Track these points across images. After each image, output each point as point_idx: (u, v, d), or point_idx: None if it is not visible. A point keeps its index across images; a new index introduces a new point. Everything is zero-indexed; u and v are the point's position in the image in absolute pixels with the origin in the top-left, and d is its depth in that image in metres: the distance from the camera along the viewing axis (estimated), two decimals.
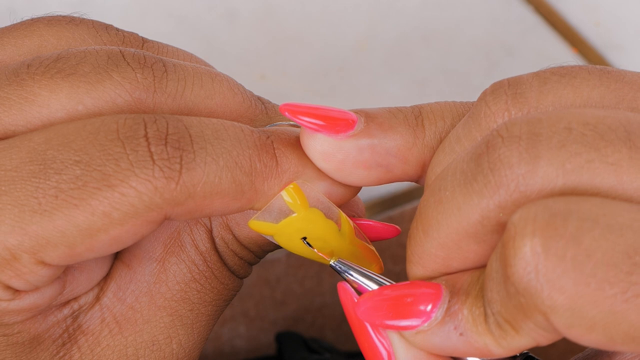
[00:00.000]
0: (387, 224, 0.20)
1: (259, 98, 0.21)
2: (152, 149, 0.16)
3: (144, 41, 0.21)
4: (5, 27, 0.20)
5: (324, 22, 0.46)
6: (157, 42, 0.21)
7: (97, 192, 0.16)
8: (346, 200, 0.19)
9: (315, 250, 0.18)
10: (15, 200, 0.16)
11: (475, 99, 0.46)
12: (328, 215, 0.18)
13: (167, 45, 0.21)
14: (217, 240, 0.19)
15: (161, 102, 0.18)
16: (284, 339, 0.37)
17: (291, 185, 0.18)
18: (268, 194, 0.17)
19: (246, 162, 0.17)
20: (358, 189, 0.19)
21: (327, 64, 0.45)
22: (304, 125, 0.18)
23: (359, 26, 0.46)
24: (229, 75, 0.21)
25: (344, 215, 0.19)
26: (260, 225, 0.18)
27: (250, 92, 0.21)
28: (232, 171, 0.17)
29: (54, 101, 0.17)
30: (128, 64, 0.18)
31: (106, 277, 0.19)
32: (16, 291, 0.17)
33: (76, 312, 0.18)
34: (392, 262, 0.42)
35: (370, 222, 0.20)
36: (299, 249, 0.18)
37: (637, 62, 0.46)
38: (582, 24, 0.47)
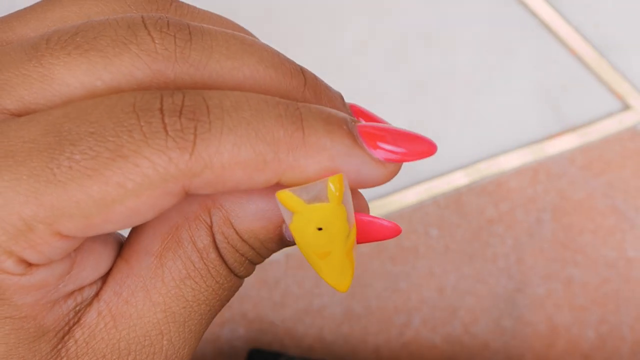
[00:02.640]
0: (390, 223, 0.19)
1: (302, 72, 0.20)
2: (166, 121, 0.16)
3: (172, 1, 0.20)
4: (31, 5, 0.19)
5: (324, 23, 0.46)
6: (188, 4, 0.20)
7: (111, 162, 0.16)
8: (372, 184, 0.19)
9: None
10: (30, 171, 0.16)
11: (475, 99, 0.46)
12: (348, 218, 0.18)
13: (199, 9, 0.21)
14: (217, 236, 0.19)
15: (183, 73, 0.18)
16: (254, 358, 0.37)
17: (338, 175, 0.17)
18: (294, 165, 0.17)
19: (267, 132, 0.16)
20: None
21: (327, 65, 0.45)
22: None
23: (359, 27, 0.46)
24: None
25: (354, 226, 0.19)
26: (291, 198, 0.17)
27: (291, 64, 0.19)
28: (252, 141, 0.16)
29: (73, 79, 0.17)
30: (148, 33, 0.17)
31: (107, 274, 0.19)
32: (28, 265, 0.16)
33: (79, 306, 0.18)
34: (391, 263, 0.42)
35: (375, 220, 0.19)
36: (308, 237, 0.18)
37: (637, 63, 0.46)
38: (581, 25, 0.47)
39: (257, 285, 0.41)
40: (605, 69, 0.46)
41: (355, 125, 0.18)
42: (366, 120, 0.21)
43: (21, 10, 0.19)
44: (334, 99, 0.20)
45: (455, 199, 0.43)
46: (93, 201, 0.16)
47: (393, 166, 0.18)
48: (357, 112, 0.21)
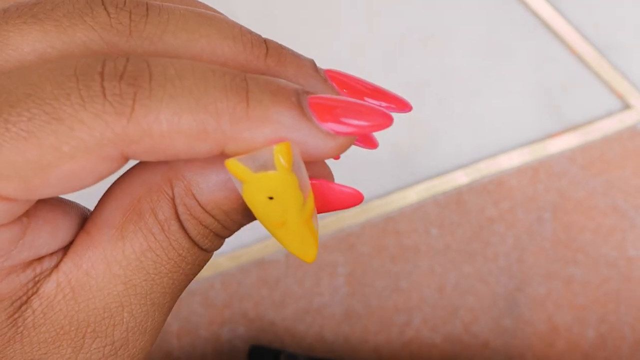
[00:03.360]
0: (351, 189, 0.19)
1: (265, 42, 0.20)
2: (105, 85, 0.16)
3: None
4: None
5: (322, 24, 0.46)
6: None
7: (46, 125, 0.16)
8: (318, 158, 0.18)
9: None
10: None
11: (475, 99, 0.46)
12: (300, 187, 0.18)
13: None
14: (179, 207, 0.18)
15: (136, 46, 0.17)
16: (254, 354, 0.37)
17: (284, 144, 0.17)
18: (237, 136, 0.17)
19: (210, 101, 0.16)
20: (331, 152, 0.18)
21: (325, 65, 0.45)
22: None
23: (357, 28, 0.46)
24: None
25: (312, 194, 0.18)
26: (237, 167, 0.17)
27: (252, 35, 0.19)
28: (193, 110, 0.16)
29: (25, 44, 0.17)
30: (105, 8, 0.17)
31: (68, 246, 0.19)
32: None
33: (38, 277, 0.18)
34: (392, 262, 0.42)
35: (334, 186, 0.19)
36: (260, 207, 0.18)
37: (637, 62, 0.46)
38: (581, 24, 0.47)
39: (258, 284, 0.41)
40: (605, 69, 0.46)
41: (306, 97, 0.17)
42: (342, 84, 0.21)
43: None
44: (303, 65, 0.20)
45: (455, 198, 0.43)
46: (29, 164, 0.16)
47: (343, 139, 0.18)
48: (333, 77, 0.21)
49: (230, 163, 0.17)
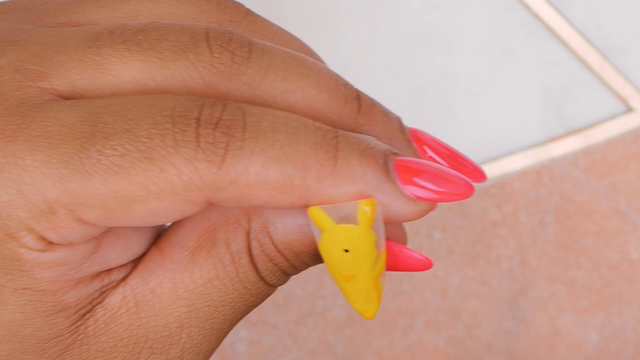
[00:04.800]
0: (422, 256, 0.20)
1: (358, 98, 0.20)
2: (200, 132, 0.16)
3: (247, 14, 0.20)
4: None
5: (326, 26, 0.47)
6: (262, 18, 0.21)
7: (138, 162, 0.16)
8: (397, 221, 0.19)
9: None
10: (61, 156, 0.16)
11: (478, 102, 0.46)
12: (376, 244, 0.18)
13: (272, 25, 0.21)
14: (252, 242, 0.19)
15: (234, 89, 0.18)
16: None
17: (370, 200, 0.17)
18: (322, 193, 0.17)
19: (299, 157, 0.17)
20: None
21: (329, 66, 0.45)
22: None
23: (361, 30, 0.46)
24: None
25: (384, 254, 0.19)
26: (320, 216, 0.17)
27: (347, 89, 0.20)
28: (282, 164, 0.16)
29: (125, 72, 0.18)
30: (209, 45, 0.18)
31: (138, 259, 0.19)
32: (48, 243, 0.17)
33: (105, 287, 0.19)
34: None
35: (406, 251, 0.20)
36: (334, 258, 0.18)
37: (639, 64, 0.46)
38: (583, 27, 0.47)
39: None
40: (608, 72, 0.46)
41: (393, 158, 0.18)
42: (424, 145, 0.21)
43: None
44: (390, 124, 0.20)
45: (457, 202, 0.43)
46: (115, 197, 0.16)
47: (424, 204, 0.18)
48: (417, 139, 0.21)
49: (314, 211, 0.17)
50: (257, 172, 0.16)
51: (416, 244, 0.42)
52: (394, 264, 0.19)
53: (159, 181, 0.16)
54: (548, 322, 0.41)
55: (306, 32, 0.46)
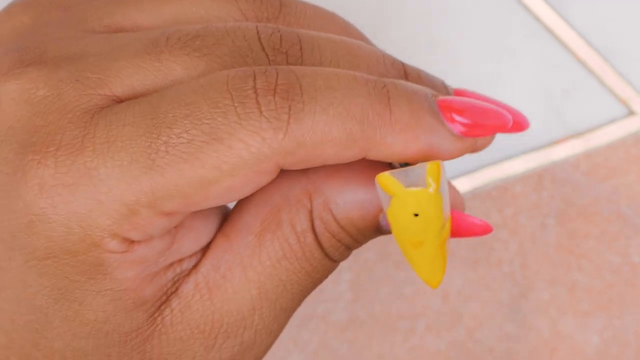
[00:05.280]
0: (481, 221, 0.20)
1: (405, 73, 0.21)
2: (260, 100, 0.17)
3: (281, 4, 0.21)
4: None
5: None
6: (295, 2, 0.21)
7: (205, 145, 0.16)
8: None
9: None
10: (130, 156, 0.16)
11: None
12: (443, 209, 0.19)
13: (307, 7, 0.21)
14: (315, 221, 0.19)
15: None
16: None
17: (436, 163, 0.18)
18: (380, 142, 0.17)
19: (357, 110, 0.17)
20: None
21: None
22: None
23: (363, 31, 0.47)
24: None
25: (449, 219, 0.19)
26: (390, 181, 0.18)
27: (395, 67, 0.20)
28: (343, 120, 0.17)
29: (187, 78, 0.18)
30: (262, 48, 0.18)
31: (206, 247, 0.20)
32: (130, 243, 0.17)
33: (177, 276, 0.19)
34: (396, 269, 0.42)
35: (468, 217, 0.20)
36: (403, 222, 0.18)
37: None
38: (585, 31, 0.47)
39: None
40: (609, 74, 0.46)
41: (435, 100, 0.18)
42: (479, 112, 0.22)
43: None
44: (438, 90, 0.21)
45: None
46: (190, 183, 0.16)
47: (470, 141, 0.19)
48: (462, 95, 0.22)
49: (383, 177, 0.17)
50: (322, 131, 0.17)
51: None
52: (456, 230, 0.20)
53: (229, 159, 0.16)
54: (549, 324, 0.41)
55: None
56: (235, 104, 0.16)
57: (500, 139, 0.45)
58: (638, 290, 0.42)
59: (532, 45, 0.47)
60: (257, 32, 0.18)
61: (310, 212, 0.19)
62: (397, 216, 0.18)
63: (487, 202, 0.43)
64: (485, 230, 0.19)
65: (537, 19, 0.47)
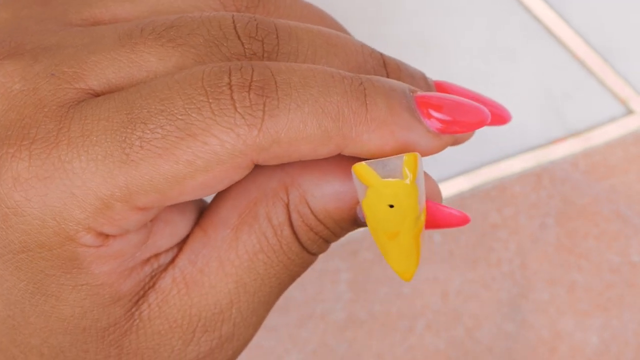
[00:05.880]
0: (459, 212, 0.20)
1: (384, 63, 0.21)
2: (235, 97, 0.17)
3: None
4: None
5: None
6: None
7: (180, 141, 0.16)
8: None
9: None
10: (105, 151, 0.16)
11: None
12: (419, 199, 0.18)
13: None
14: (293, 214, 0.19)
15: None
16: None
17: (413, 154, 0.18)
18: (356, 139, 0.17)
19: (333, 108, 0.17)
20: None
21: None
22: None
23: (360, 32, 0.47)
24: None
25: (425, 211, 0.19)
26: (367, 171, 0.18)
27: (374, 58, 0.21)
28: (318, 117, 0.17)
29: (163, 68, 0.18)
30: (238, 37, 0.18)
31: (183, 241, 0.20)
32: (105, 237, 0.17)
33: (155, 271, 0.19)
34: None
35: (444, 207, 0.20)
36: (379, 214, 0.18)
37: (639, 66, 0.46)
38: (584, 30, 0.47)
39: None
40: (608, 74, 0.46)
41: (413, 96, 0.18)
42: (453, 94, 0.22)
43: None
44: (417, 82, 0.21)
45: (458, 204, 0.43)
46: (165, 178, 0.16)
47: (447, 137, 0.19)
48: (442, 89, 0.22)
49: (359, 167, 0.17)
50: (297, 128, 0.17)
51: None
52: (432, 221, 0.20)
53: (204, 155, 0.16)
54: (548, 324, 0.41)
55: None
56: (210, 100, 0.16)
57: (500, 138, 0.45)
58: (637, 290, 0.42)
59: (531, 44, 0.47)
60: (233, 21, 0.18)
61: (287, 205, 0.19)
62: (372, 207, 0.18)
63: (486, 201, 0.43)
64: (463, 221, 0.20)
65: (536, 18, 0.47)
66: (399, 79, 0.20)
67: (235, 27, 0.18)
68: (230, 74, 0.17)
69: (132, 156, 0.16)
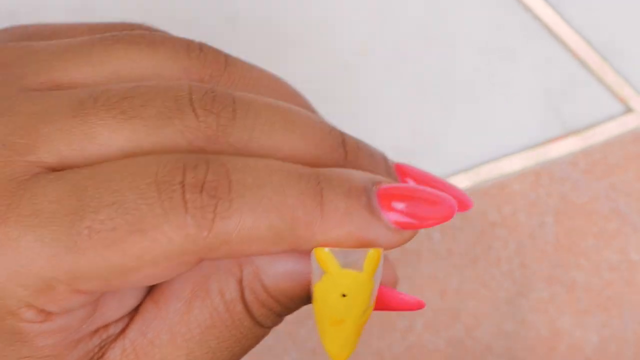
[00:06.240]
0: (413, 298, 0.20)
1: (343, 142, 0.20)
2: (187, 197, 0.17)
3: (227, 63, 0.20)
4: (84, 42, 0.19)
5: (326, 27, 0.47)
6: (242, 63, 0.21)
7: (129, 235, 0.16)
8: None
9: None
10: (52, 234, 0.16)
11: (476, 103, 0.46)
12: (372, 293, 0.19)
13: (253, 70, 0.21)
14: (245, 290, 0.19)
15: (221, 151, 0.18)
16: None
17: (377, 250, 0.18)
18: (312, 239, 0.17)
19: (287, 209, 0.17)
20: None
21: (329, 68, 0.45)
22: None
23: (361, 31, 0.47)
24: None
25: (374, 303, 0.19)
26: (327, 258, 0.18)
27: (333, 137, 0.20)
28: (270, 219, 0.17)
29: (113, 142, 0.18)
30: (193, 109, 0.18)
31: (135, 310, 0.19)
32: (48, 314, 0.17)
33: (104, 342, 0.19)
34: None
35: (398, 295, 0.20)
36: (329, 301, 0.18)
37: (639, 66, 0.46)
38: (583, 29, 0.47)
39: None
40: (607, 72, 0.46)
41: (374, 190, 0.18)
42: (407, 177, 0.21)
43: (78, 50, 0.19)
44: (377, 164, 0.20)
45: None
46: (111, 269, 0.16)
47: (408, 233, 0.18)
48: (402, 172, 0.22)
49: (320, 252, 0.17)
50: (248, 230, 0.17)
51: (415, 246, 0.42)
52: (385, 306, 0.19)
53: (152, 250, 0.16)
54: (548, 323, 0.41)
55: (303, 34, 0.46)
56: (162, 198, 0.16)
57: (499, 136, 0.45)
58: (637, 288, 0.42)
59: (531, 43, 0.47)
60: (190, 92, 0.18)
61: (240, 281, 0.19)
62: (324, 292, 0.18)
63: (485, 200, 0.43)
64: (417, 306, 0.20)
65: (536, 17, 0.47)
66: (357, 158, 0.20)
67: (191, 99, 0.18)
68: (184, 172, 0.17)
69: (79, 244, 0.16)
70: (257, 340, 0.20)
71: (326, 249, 0.17)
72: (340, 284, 0.17)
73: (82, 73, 0.19)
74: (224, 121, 0.18)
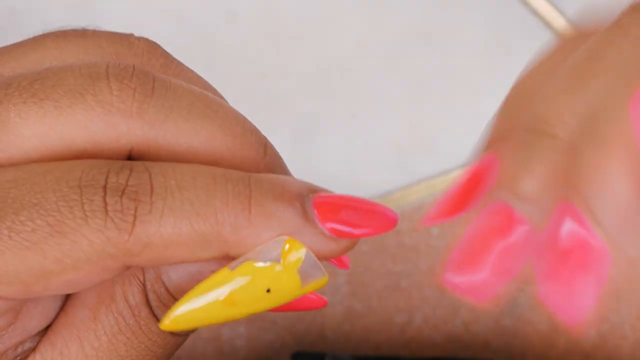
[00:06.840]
0: (317, 296, 0.20)
1: (264, 145, 0.20)
2: (108, 200, 0.16)
3: (162, 56, 0.20)
4: (17, 42, 0.19)
5: (324, 22, 0.47)
6: (177, 63, 0.20)
7: (49, 237, 0.16)
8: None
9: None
10: None
11: (475, 99, 0.46)
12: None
13: (189, 71, 0.20)
14: (149, 294, 0.19)
15: (137, 128, 0.17)
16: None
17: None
18: (241, 243, 0.17)
19: (211, 213, 0.17)
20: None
21: (327, 64, 0.45)
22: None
23: (359, 26, 0.46)
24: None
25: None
26: (294, 247, 0.17)
27: (253, 135, 0.19)
28: (193, 222, 0.16)
29: (26, 129, 0.17)
30: (108, 83, 0.17)
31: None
32: None
33: (19, 356, 0.18)
34: (392, 262, 0.42)
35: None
36: (254, 297, 0.18)
37: None
38: (582, 25, 0.47)
39: None
40: None
41: (310, 197, 0.18)
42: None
43: (5, 47, 0.19)
44: (293, 177, 0.20)
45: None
46: (30, 272, 0.16)
47: (346, 242, 0.18)
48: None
49: (292, 242, 0.17)
50: (169, 234, 0.16)
51: (414, 240, 0.42)
52: (288, 306, 0.19)
53: (72, 253, 0.16)
54: (546, 318, 0.41)
55: (302, 31, 0.46)
56: (84, 201, 0.16)
57: None
58: (634, 283, 0.42)
59: (530, 39, 0.47)
60: (107, 67, 0.17)
61: (144, 285, 0.18)
62: (248, 289, 0.18)
63: None
64: (319, 304, 0.20)
65: (535, 13, 0.47)
66: (274, 163, 0.20)
67: (107, 74, 0.17)
68: (107, 177, 0.16)
69: None
70: (169, 348, 0.19)
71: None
72: (263, 277, 0.17)
73: (7, 66, 0.19)
74: (140, 97, 0.17)
